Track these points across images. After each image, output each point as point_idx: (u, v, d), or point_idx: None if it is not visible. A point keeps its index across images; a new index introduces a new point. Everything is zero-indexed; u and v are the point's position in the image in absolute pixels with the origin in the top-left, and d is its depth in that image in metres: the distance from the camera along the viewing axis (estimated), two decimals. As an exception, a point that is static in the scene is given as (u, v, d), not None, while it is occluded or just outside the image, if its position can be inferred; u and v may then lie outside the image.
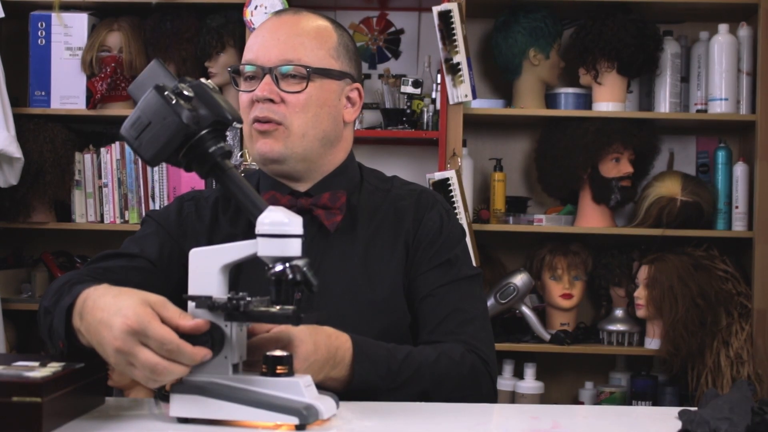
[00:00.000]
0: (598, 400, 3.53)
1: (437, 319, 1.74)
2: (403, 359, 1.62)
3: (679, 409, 1.40)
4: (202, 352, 1.32)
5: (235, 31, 3.42)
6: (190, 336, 1.33)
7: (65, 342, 1.46)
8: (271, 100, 1.70)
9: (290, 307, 1.37)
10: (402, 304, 1.75)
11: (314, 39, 1.73)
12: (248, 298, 1.35)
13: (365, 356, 1.58)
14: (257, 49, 1.72)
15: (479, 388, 1.69)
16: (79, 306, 1.41)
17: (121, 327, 1.30)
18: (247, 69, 1.74)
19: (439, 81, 3.38)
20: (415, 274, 1.76)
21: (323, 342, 1.52)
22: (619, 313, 3.54)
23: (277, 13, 1.79)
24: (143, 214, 3.46)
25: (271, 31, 1.73)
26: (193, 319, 1.33)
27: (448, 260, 1.77)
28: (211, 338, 1.34)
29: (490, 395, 1.72)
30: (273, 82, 1.70)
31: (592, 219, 3.51)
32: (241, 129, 3.35)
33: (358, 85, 1.81)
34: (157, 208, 3.45)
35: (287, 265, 1.36)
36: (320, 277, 1.65)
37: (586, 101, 3.56)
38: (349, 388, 1.57)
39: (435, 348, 1.68)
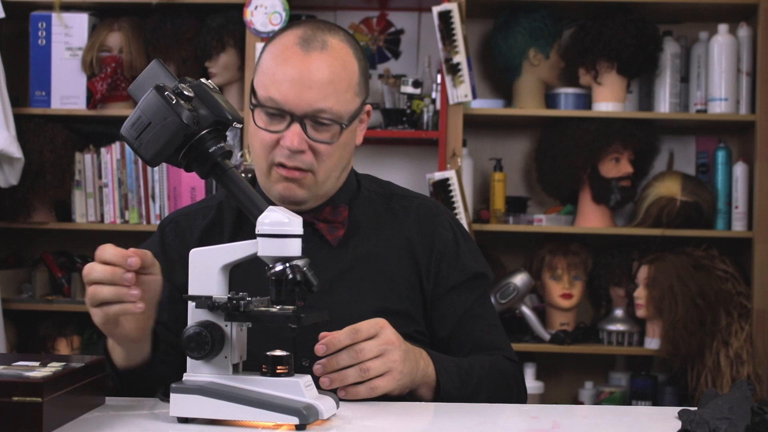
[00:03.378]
0: (598, 400, 3.53)
1: (475, 336, 1.77)
2: (468, 370, 1.67)
3: (678, 409, 1.40)
4: (128, 252, 1.40)
5: (235, 32, 3.42)
6: (186, 337, 1.34)
7: (111, 375, 1.55)
8: (301, 150, 1.66)
9: (290, 307, 1.37)
10: (415, 314, 1.75)
11: (343, 81, 1.66)
12: (248, 298, 1.35)
13: (444, 369, 1.63)
14: (286, 91, 1.64)
15: (520, 393, 1.76)
16: None
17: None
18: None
19: (439, 81, 3.38)
20: (441, 292, 1.76)
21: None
22: (618, 313, 3.54)
23: (304, 43, 1.66)
24: (143, 214, 3.47)
25: (301, 72, 1.64)
26: (131, 250, 1.41)
27: (475, 275, 1.79)
28: (211, 338, 1.35)
29: (523, 396, 1.79)
30: (302, 129, 1.65)
31: (592, 219, 3.51)
32: (241, 129, 3.35)
33: (368, 107, 1.78)
34: (157, 208, 3.45)
35: (287, 264, 1.36)
36: (327, 288, 1.67)
37: (586, 101, 3.56)
38: (436, 399, 1.62)
39: (486, 360, 1.73)
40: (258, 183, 1.77)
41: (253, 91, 1.71)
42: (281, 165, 1.67)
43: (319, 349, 1.51)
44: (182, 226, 1.78)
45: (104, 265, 1.38)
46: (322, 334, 1.53)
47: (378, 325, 1.55)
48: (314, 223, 1.73)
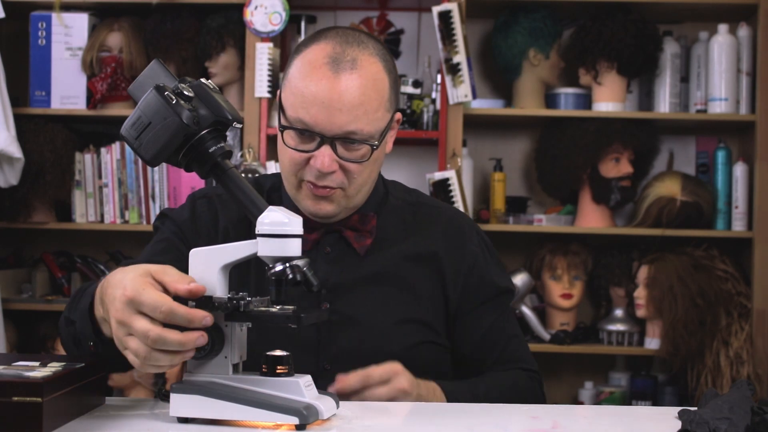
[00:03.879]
0: (598, 400, 3.53)
1: (497, 350, 1.79)
2: (485, 394, 1.68)
3: (678, 409, 1.40)
4: (200, 314, 1.30)
5: (235, 31, 3.42)
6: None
7: (94, 340, 1.46)
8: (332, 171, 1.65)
9: (290, 307, 1.37)
10: (437, 324, 1.75)
11: (373, 100, 1.63)
12: (248, 298, 1.35)
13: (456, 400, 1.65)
14: (315, 113, 1.61)
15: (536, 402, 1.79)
16: (99, 294, 1.42)
17: (120, 298, 1.31)
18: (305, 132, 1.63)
19: (439, 81, 3.38)
20: (469, 308, 1.77)
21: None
22: (618, 313, 3.54)
23: (334, 64, 1.62)
24: (143, 214, 3.47)
25: (330, 96, 1.60)
26: (191, 283, 1.32)
27: (501, 291, 1.80)
28: (211, 338, 1.34)
29: (541, 401, 1.81)
30: (332, 150, 1.62)
31: (592, 219, 3.51)
32: (241, 129, 3.35)
33: (399, 115, 1.75)
34: (157, 208, 3.45)
35: (287, 265, 1.36)
36: (349, 291, 1.70)
37: (586, 101, 3.56)
38: None
39: (504, 378, 1.75)
40: (284, 191, 1.75)
41: (281, 107, 1.67)
42: (314, 185, 1.66)
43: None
44: (215, 204, 1.78)
45: (178, 335, 1.29)
46: (339, 376, 1.55)
47: (392, 370, 1.56)
48: (342, 230, 1.73)
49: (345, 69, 1.62)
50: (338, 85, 1.61)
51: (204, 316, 1.30)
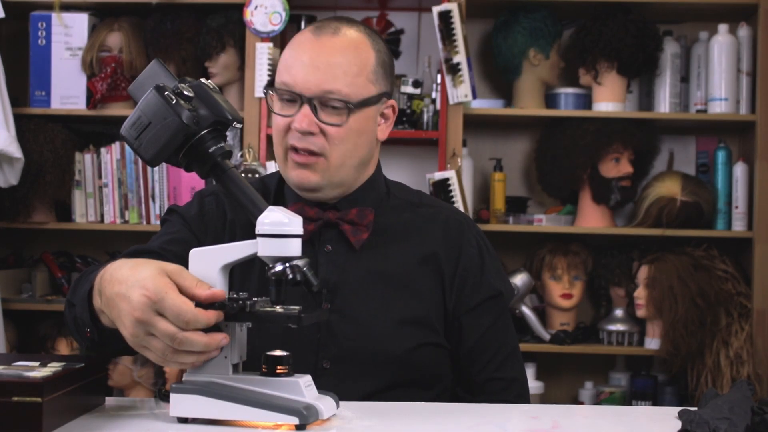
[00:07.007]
0: (598, 400, 3.53)
1: (493, 364, 1.77)
2: None
3: (679, 409, 1.40)
4: (219, 335, 1.33)
5: (235, 31, 3.42)
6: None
7: (91, 328, 1.46)
8: (311, 132, 1.67)
9: (295, 307, 1.37)
10: (436, 324, 1.74)
11: (354, 65, 1.68)
12: (254, 299, 1.35)
13: None
14: (295, 73, 1.67)
15: None
16: (98, 284, 1.41)
17: (140, 298, 1.30)
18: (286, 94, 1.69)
19: (439, 81, 3.38)
20: (463, 310, 1.75)
21: None
22: (619, 313, 3.54)
23: (316, 29, 1.70)
24: (143, 214, 3.47)
25: (310, 55, 1.67)
26: (210, 288, 1.33)
27: (497, 293, 1.78)
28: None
29: None
30: (312, 111, 1.66)
31: (592, 219, 3.51)
32: (241, 129, 3.35)
33: (393, 102, 1.77)
34: (157, 208, 3.45)
35: (287, 264, 1.36)
36: (349, 291, 1.69)
37: (586, 101, 3.56)
38: None
39: None
40: (287, 188, 1.76)
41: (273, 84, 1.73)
42: (294, 149, 1.68)
43: None
44: (223, 202, 1.78)
45: (204, 337, 1.31)
46: None
47: None
48: (339, 224, 1.72)
49: (327, 33, 1.70)
50: (319, 47, 1.68)
51: (223, 337, 1.33)
